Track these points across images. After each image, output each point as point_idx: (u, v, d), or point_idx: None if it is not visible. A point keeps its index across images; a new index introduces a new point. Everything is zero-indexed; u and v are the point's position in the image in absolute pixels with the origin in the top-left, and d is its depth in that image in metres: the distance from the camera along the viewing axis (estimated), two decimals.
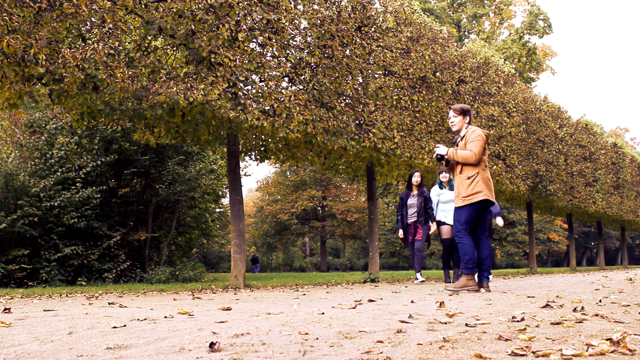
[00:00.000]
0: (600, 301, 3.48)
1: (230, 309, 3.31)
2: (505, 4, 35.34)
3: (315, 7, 7.72)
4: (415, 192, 8.40)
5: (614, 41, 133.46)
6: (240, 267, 7.35)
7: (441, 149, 5.32)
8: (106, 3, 5.53)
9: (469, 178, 5.17)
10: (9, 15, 4.82)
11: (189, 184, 12.13)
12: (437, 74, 10.22)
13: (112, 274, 10.11)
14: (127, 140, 10.92)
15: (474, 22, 35.83)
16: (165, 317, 2.79)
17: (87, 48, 5.43)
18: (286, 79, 7.42)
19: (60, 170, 10.09)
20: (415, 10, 9.85)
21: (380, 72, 8.90)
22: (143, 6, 5.89)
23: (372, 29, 8.75)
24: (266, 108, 6.95)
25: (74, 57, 5.27)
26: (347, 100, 8.23)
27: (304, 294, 5.30)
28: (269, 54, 7.12)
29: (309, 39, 7.61)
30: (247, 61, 6.61)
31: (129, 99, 6.02)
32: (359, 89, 8.37)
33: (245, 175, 15.64)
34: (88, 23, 5.67)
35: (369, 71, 8.63)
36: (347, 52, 8.16)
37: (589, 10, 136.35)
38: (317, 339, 1.90)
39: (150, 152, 11.56)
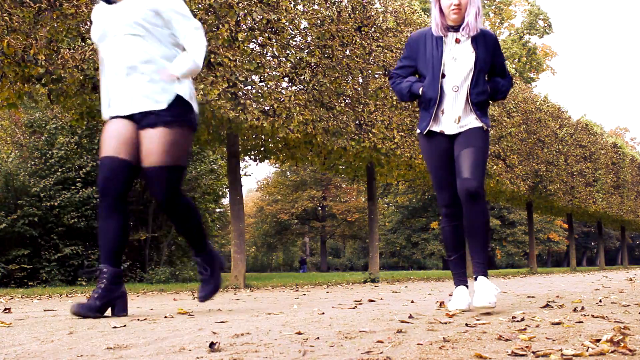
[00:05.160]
0: (600, 301, 3.47)
1: (230, 309, 3.32)
2: (505, 4, 35.34)
3: (315, 7, 7.72)
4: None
5: (614, 41, 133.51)
6: (240, 267, 7.35)
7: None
8: None
9: None
10: (9, 15, 4.82)
11: (189, 184, 12.13)
12: None
13: None
14: None
15: None
16: (165, 317, 2.79)
17: (87, 48, 5.43)
18: (286, 79, 7.42)
19: (60, 170, 10.09)
20: (415, 10, 9.85)
21: (380, 72, 8.91)
22: None
23: (372, 29, 8.75)
24: (266, 108, 6.94)
25: (73, 58, 5.27)
26: (347, 100, 8.23)
27: (304, 294, 5.30)
28: (269, 54, 7.12)
29: (309, 39, 7.61)
30: (247, 61, 6.61)
31: None
32: (359, 89, 8.37)
33: (245, 175, 15.63)
34: (88, 23, 5.67)
35: (369, 71, 8.63)
36: (347, 52, 8.16)
37: (589, 10, 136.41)
38: (317, 338, 1.90)
39: None
